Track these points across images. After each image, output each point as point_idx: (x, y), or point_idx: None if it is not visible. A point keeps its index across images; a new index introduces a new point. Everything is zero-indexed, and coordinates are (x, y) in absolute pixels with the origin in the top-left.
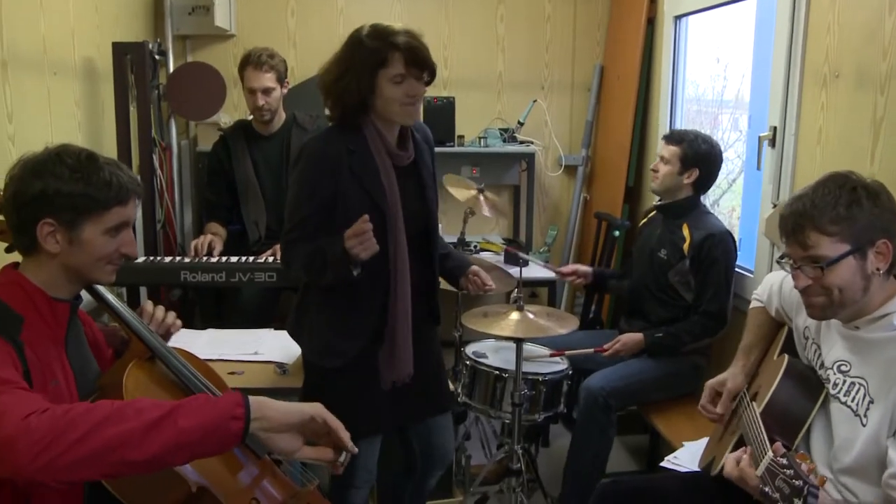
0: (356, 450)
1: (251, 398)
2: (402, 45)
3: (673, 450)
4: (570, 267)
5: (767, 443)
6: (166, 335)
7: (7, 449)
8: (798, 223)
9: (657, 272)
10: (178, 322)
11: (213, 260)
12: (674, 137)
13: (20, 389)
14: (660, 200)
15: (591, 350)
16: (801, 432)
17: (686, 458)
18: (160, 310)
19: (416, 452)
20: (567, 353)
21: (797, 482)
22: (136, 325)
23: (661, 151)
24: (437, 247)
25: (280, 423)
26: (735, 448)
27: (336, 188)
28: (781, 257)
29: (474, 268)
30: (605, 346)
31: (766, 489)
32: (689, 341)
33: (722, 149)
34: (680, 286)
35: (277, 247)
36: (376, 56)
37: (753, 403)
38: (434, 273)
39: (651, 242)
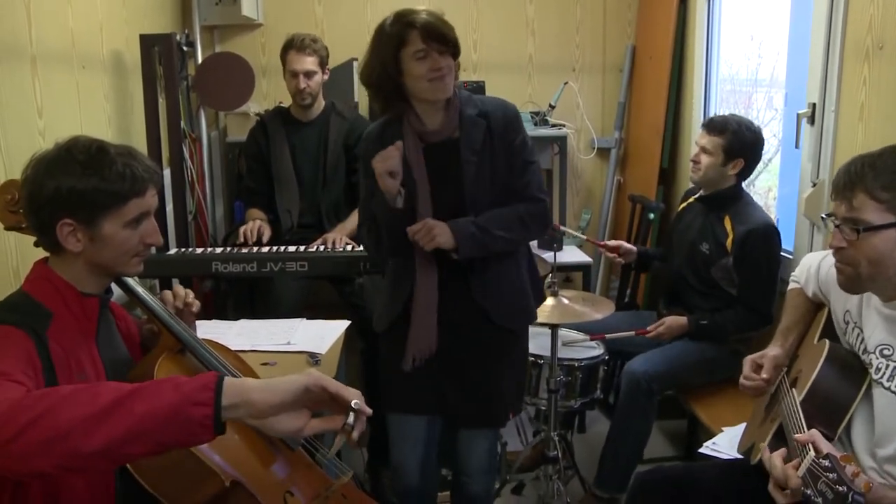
0: (368, 409)
1: (231, 381)
2: (419, 22)
3: (711, 435)
4: (616, 242)
5: None
6: (185, 314)
7: None
8: (850, 181)
9: (699, 266)
10: (197, 303)
11: (245, 250)
12: (716, 127)
13: (9, 381)
14: (700, 190)
15: (633, 333)
16: (844, 422)
17: (725, 443)
18: (179, 287)
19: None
20: (607, 336)
21: (841, 488)
22: (166, 317)
23: (701, 141)
24: None
25: (269, 404)
26: (775, 437)
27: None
28: (828, 215)
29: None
30: (649, 329)
31: (809, 492)
32: (733, 332)
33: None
34: (723, 281)
35: (327, 235)
36: (396, 38)
37: (794, 390)
38: (472, 261)
39: (691, 233)
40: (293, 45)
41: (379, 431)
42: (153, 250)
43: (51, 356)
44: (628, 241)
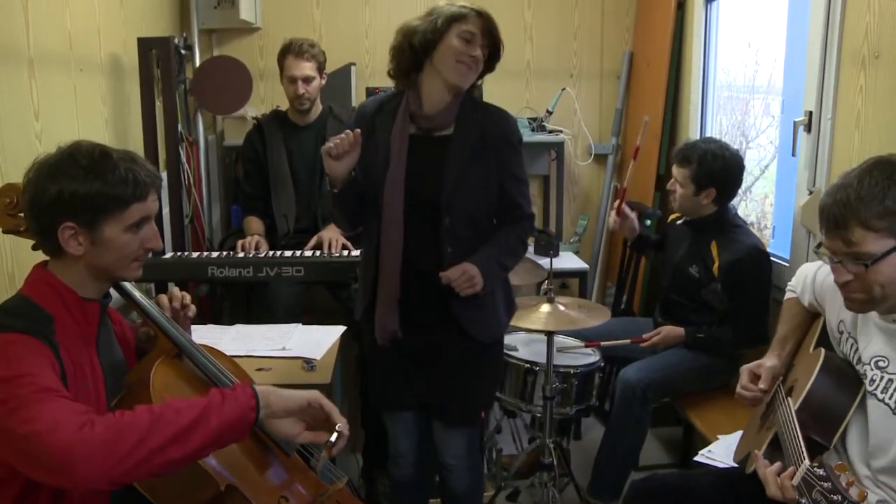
0: (346, 430)
1: (258, 388)
2: (483, 13)
3: (707, 443)
4: (631, 213)
5: (803, 445)
6: (181, 317)
7: (67, 461)
8: (841, 216)
9: (688, 287)
10: (193, 307)
11: (241, 254)
12: (684, 157)
13: (63, 398)
14: (686, 217)
15: (628, 341)
16: (839, 431)
17: (720, 451)
18: (176, 290)
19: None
20: (602, 343)
21: (835, 497)
22: (163, 321)
23: (673, 172)
24: (454, 234)
25: (281, 409)
26: (771, 445)
27: (365, 144)
28: (818, 246)
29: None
30: (644, 337)
31: (803, 501)
32: (729, 348)
33: (754, 135)
34: (713, 302)
35: (321, 235)
36: (457, 12)
37: (789, 399)
38: (440, 255)
39: (679, 254)
40: (291, 51)
41: (373, 437)
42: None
43: (62, 361)
44: (625, 247)
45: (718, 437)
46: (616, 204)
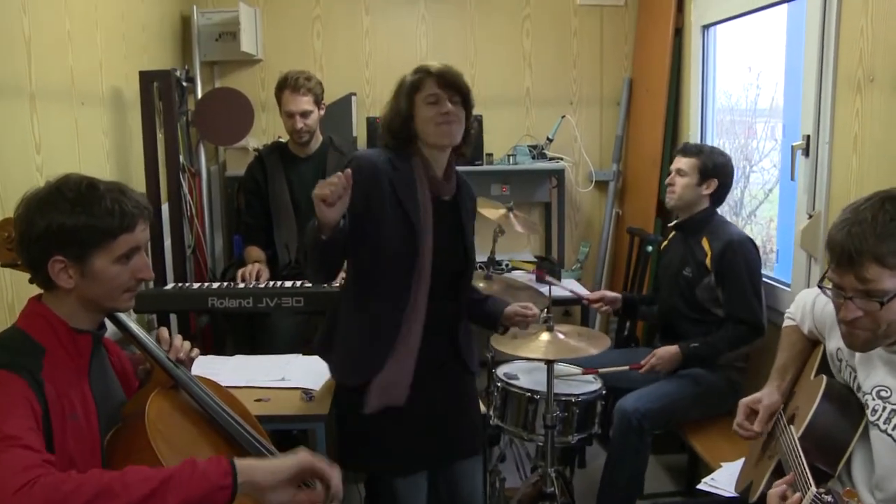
0: (340, 495)
1: (238, 463)
2: (435, 70)
3: (711, 470)
4: (597, 294)
5: (808, 472)
6: (187, 363)
7: None
8: (857, 252)
9: (684, 291)
10: (196, 350)
11: (241, 285)
12: (690, 150)
13: (19, 448)
14: (677, 218)
15: (626, 367)
16: (844, 459)
17: (724, 479)
18: (177, 338)
19: (444, 501)
20: (601, 371)
21: None
22: (159, 353)
23: (676, 164)
24: (466, 288)
25: (269, 484)
26: (774, 474)
27: (372, 200)
28: (822, 280)
29: (510, 309)
30: (642, 362)
31: None
32: (726, 349)
33: (757, 158)
34: (708, 302)
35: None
36: (414, 84)
37: (791, 427)
38: (458, 312)
39: (674, 263)
40: (287, 85)
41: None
42: (151, 285)
43: (47, 399)
44: (627, 273)
45: (722, 464)
46: (589, 304)
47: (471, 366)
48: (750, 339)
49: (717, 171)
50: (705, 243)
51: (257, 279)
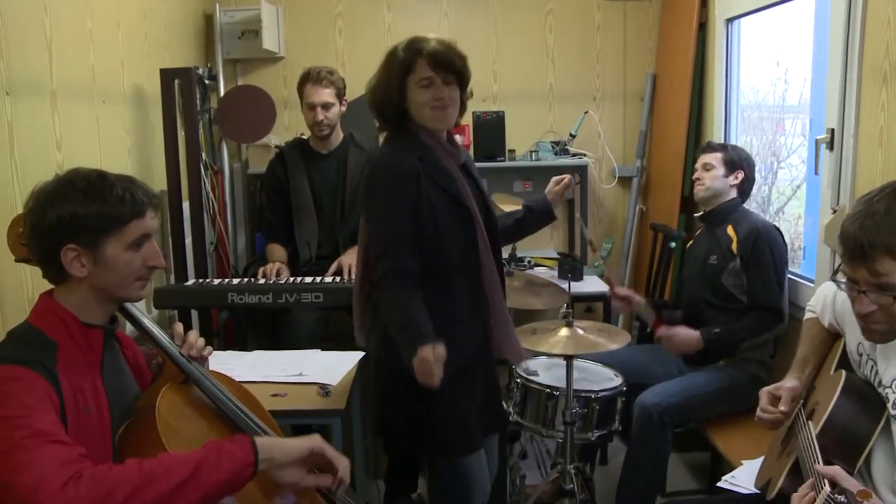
0: (346, 477)
1: (258, 441)
2: (428, 50)
3: (732, 468)
4: (626, 291)
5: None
6: (200, 360)
7: None
8: (869, 245)
9: (711, 279)
10: (209, 348)
11: (261, 281)
12: (713, 146)
13: (55, 443)
14: (702, 212)
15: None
16: (863, 456)
17: (744, 477)
18: (192, 334)
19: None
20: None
21: None
22: (171, 348)
23: (703, 160)
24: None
25: (285, 461)
26: (791, 471)
27: (419, 198)
28: (835, 273)
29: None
30: (665, 358)
31: None
32: (747, 337)
33: (785, 155)
34: (734, 289)
35: (341, 260)
36: (405, 64)
37: (810, 423)
38: (502, 270)
39: (700, 254)
40: (309, 78)
41: (395, 463)
42: (172, 281)
43: (62, 393)
44: (650, 269)
45: (742, 462)
46: (614, 299)
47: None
48: (771, 326)
49: (742, 163)
50: (731, 230)
51: (278, 276)
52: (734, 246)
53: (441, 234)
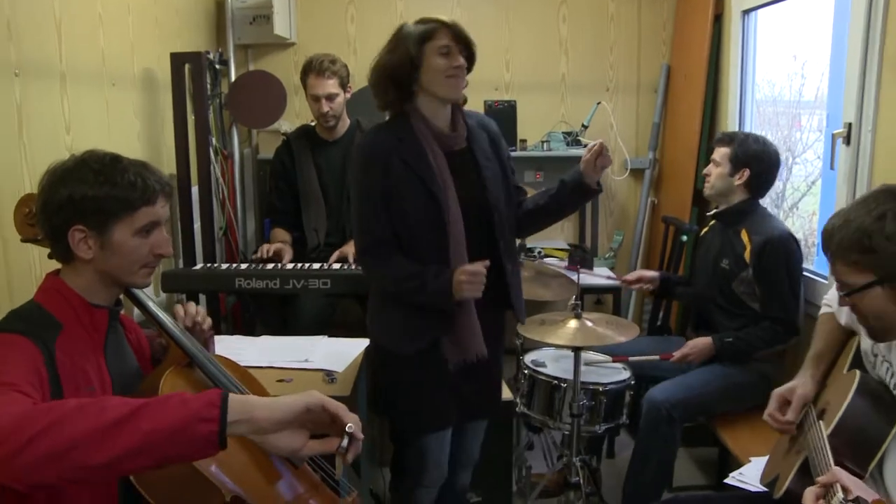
0: (358, 431)
1: (235, 398)
2: (448, 22)
3: (740, 465)
4: (635, 274)
5: None
6: (195, 330)
7: None
8: (826, 248)
9: (721, 283)
10: (209, 320)
11: (270, 266)
12: (723, 139)
13: (17, 392)
14: (716, 207)
15: (656, 357)
16: (875, 459)
17: (752, 474)
18: (190, 305)
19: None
20: (630, 359)
21: None
22: (175, 331)
23: (713, 155)
24: (503, 232)
25: (271, 421)
26: (800, 470)
27: (387, 183)
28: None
29: (582, 162)
30: (674, 353)
31: None
32: (761, 347)
33: (801, 150)
34: (746, 296)
35: (340, 251)
36: (424, 31)
37: (821, 423)
38: (500, 258)
39: (712, 252)
40: (312, 69)
41: (401, 451)
42: (180, 265)
43: (57, 368)
44: (661, 263)
45: (751, 458)
46: (625, 286)
47: (520, 317)
48: (785, 338)
49: (748, 159)
50: (744, 236)
51: (278, 258)
52: (747, 254)
53: (408, 219)
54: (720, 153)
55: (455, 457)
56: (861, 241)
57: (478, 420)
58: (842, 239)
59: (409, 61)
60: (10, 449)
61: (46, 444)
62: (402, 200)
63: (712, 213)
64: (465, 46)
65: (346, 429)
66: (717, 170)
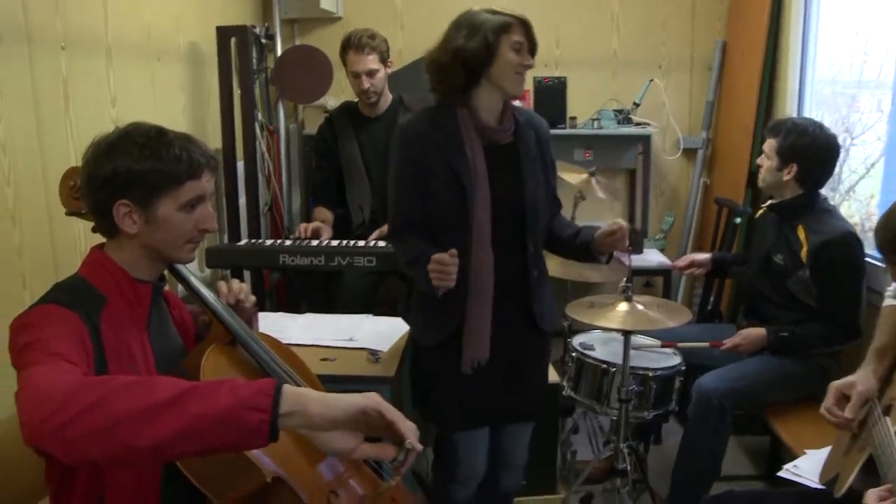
0: (419, 447)
1: (288, 389)
2: (522, 18)
3: (794, 456)
4: (687, 258)
5: None
6: (239, 308)
7: (21, 414)
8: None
9: (774, 278)
10: (253, 297)
11: (314, 243)
12: (771, 129)
13: (66, 362)
14: (771, 198)
15: (707, 344)
16: None
17: (807, 468)
18: (234, 282)
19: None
20: (679, 345)
21: None
22: (218, 307)
23: (764, 145)
24: (535, 237)
25: (325, 419)
26: (864, 468)
27: (420, 167)
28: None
29: (598, 234)
30: (724, 341)
31: None
32: (817, 345)
33: (860, 131)
34: (801, 294)
35: (380, 230)
36: (502, 24)
37: (887, 419)
38: (527, 270)
39: (766, 244)
40: (351, 45)
41: (439, 439)
42: (225, 240)
43: (103, 342)
44: (713, 246)
45: (806, 451)
46: (679, 272)
47: (543, 325)
48: (843, 341)
49: (795, 153)
50: (801, 233)
51: (316, 236)
52: (803, 253)
53: (438, 208)
54: (769, 145)
55: (494, 457)
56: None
57: (513, 423)
58: (883, 240)
59: (485, 50)
60: (61, 420)
61: (96, 419)
62: (434, 188)
63: (769, 204)
64: (532, 46)
65: (405, 444)
66: (767, 163)
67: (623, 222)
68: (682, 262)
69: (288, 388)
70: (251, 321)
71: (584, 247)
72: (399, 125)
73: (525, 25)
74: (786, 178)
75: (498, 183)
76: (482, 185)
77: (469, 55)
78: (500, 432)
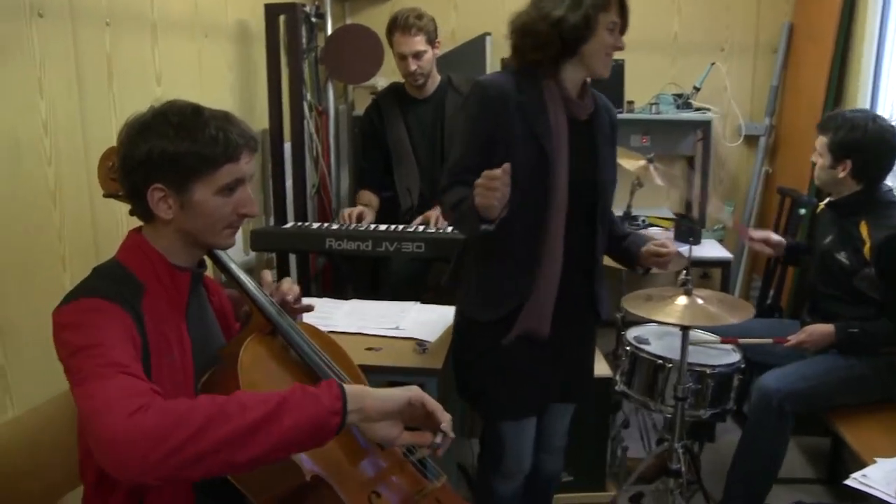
0: (451, 431)
1: (348, 389)
2: None
3: (860, 463)
4: (763, 233)
5: None
6: (285, 309)
7: (112, 449)
8: None
9: (838, 277)
10: (296, 288)
11: (362, 227)
12: (821, 124)
13: (127, 375)
14: (829, 195)
15: (770, 340)
16: None
17: (878, 478)
18: (286, 281)
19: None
20: (741, 341)
21: None
22: (259, 297)
23: (815, 142)
24: (604, 219)
25: (377, 412)
26: None
27: (500, 126)
28: None
29: (645, 248)
30: (789, 337)
31: None
32: (887, 345)
33: None
34: (869, 291)
35: (424, 215)
36: (602, 2)
37: None
38: (594, 251)
39: (826, 241)
40: (397, 26)
41: (485, 429)
42: (271, 223)
43: (147, 333)
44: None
45: (876, 459)
46: (748, 242)
47: (601, 310)
48: None
49: (847, 149)
50: (863, 229)
51: (359, 221)
52: (867, 250)
53: (514, 173)
54: (819, 142)
55: (535, 440)
56: None
57: (559, 403)
58: None
59: (585, 25)
60: (164, 451)
61: (193, 450)
62: (511, 151)
63: (826, 202)
64: (624, 26)
65: (441, 427)
66: (820, 160)
67: (673, 246)
68: (759, 234)
69: (349, 389)
70: (294, 316)
71: (626, 252)
72: (477, 81)
73: (621, 5)
74: (841, 175)
75: (575, 157)
76: (563, 156)
77: (568, 28)
78: (543, 412)
